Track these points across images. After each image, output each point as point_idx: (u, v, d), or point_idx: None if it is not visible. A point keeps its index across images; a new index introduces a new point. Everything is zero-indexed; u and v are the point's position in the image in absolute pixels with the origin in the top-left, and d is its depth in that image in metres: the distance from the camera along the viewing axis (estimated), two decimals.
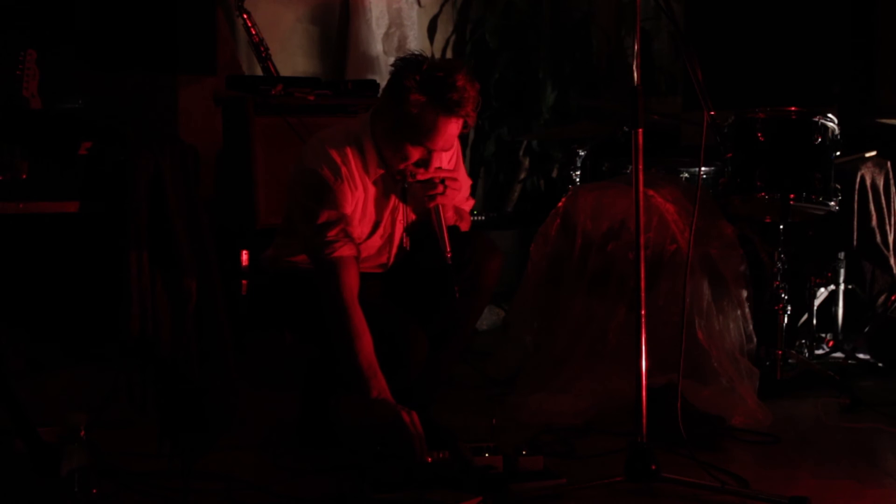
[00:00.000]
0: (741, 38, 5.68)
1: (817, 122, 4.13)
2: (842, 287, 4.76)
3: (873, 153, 4.77)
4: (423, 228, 3.34)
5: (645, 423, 2.98)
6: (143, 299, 3.25)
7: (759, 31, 5.64)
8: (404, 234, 3.40)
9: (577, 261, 4.16)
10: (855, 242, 4.67)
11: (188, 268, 3.30)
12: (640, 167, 3.02)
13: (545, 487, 2.97)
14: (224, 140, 4.94)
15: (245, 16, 5.33)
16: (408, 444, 3.03)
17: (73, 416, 2.73)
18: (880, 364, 4.53)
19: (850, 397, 3.92)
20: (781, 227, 4.19)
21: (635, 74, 3.10)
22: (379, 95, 3.92)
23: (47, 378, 4.06)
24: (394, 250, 3.41)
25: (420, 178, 3.25)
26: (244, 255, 4.65)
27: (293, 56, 6.12)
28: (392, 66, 3.26)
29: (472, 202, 3.57)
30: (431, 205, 3.24)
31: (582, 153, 5.12)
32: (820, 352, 4.69)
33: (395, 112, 3.18)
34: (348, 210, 3.23)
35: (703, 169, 4.48)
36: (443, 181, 3.26)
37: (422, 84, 3.14)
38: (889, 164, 4.78)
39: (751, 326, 4.00)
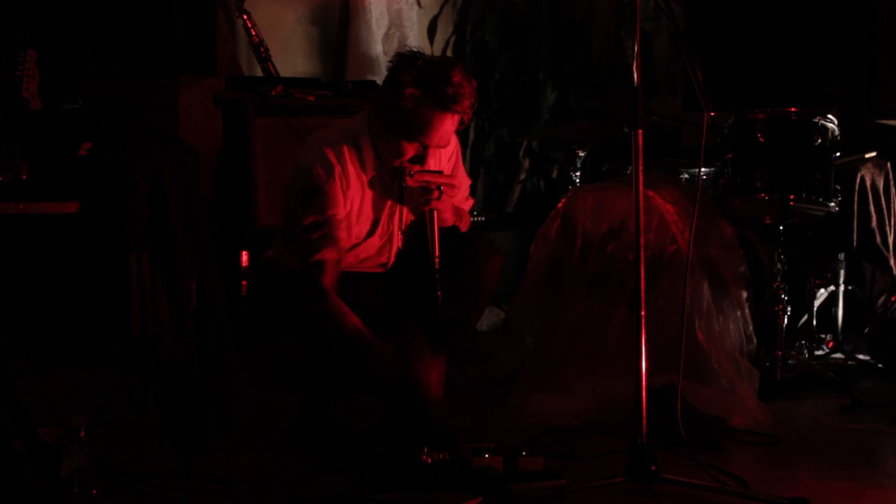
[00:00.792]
0: (741, 39, 5.68)
1: (817, 122, 4.13)
2: (842, 288, 4.76)
3: (873, 154, 4.77)
4: (423, 229, 3.34)
5: (645, 423, 2.97)
6: (143, 300, 3.25)
7: (759, 31, 5.64)
8: (401, 235, 3.40)
9: (577, 261, 4.16)
10: (855, 243, 4.66)
11: (188, 268, 3.30)
12: (640, 168, 3.02)
13: (545, 488, 2.97)
14: (224, 141, 4.94)
15: (245, 16, 5.33)
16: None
17: (73, 417, 2.73)
18: (880, 365, 4.53)
19: (850, 398, 3.92)
20: (781, 227, 4.19)
21: (635, 75, 3.10)
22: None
23: (47, 378, 4.07)
24: (393, 250, 3.41)
25: (417, 178, 3.24)
26: (244, 256, 4.66)
27: (293, 57, 6.13)
28: (389, 62, 3.26)
29: (471, 202, 3.57)
30: (426, 208, 3.24)
31: (582, 154, 5.12)
32: (820, 353, 4.69)
33: (391, 107, 3.18)
34: (339, 210, 3.23)
35: (703, 170, 4.48)
36: (439, 187, 3.26)
37: (417, 79, 3.14)
38: (889, 164, 4.77)
39: (751, 327, 4.00)
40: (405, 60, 3.19)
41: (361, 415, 3.59)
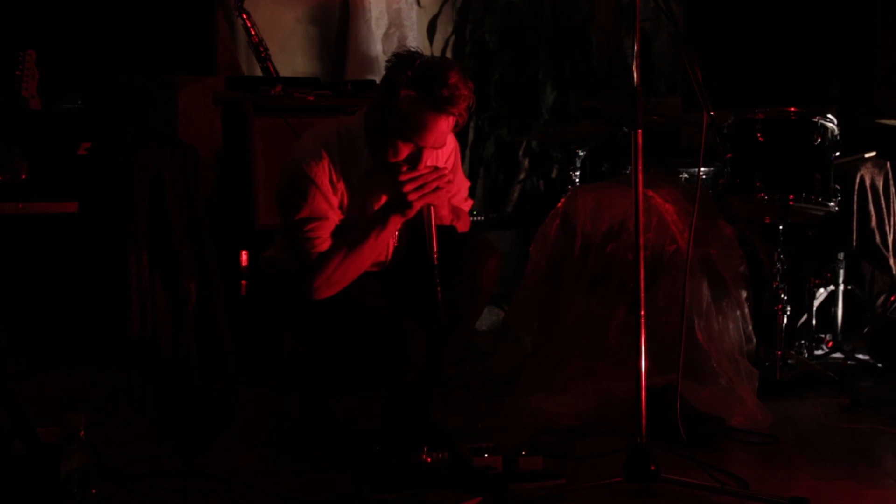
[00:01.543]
0: (741, 39, 5.68)
1: (817, 122, 4.13)
2: (841, 288, 4.76)
3: (873, 154, 4.77)
4: (422, 228, 3.33)
5: (644, 423, 2.98)
6: (142, 300, 3.25)
7: (759, 31, 5.64)
8: (397, 232, 3.39)
9: (577, 261, 4.16)
10: (854, 243, 4.67)
11: (188, 268, 3.30)
12: (640, 168, 3.02)
13: (545, 488, 2.97)
14: (224, 140, 4.94)
15: (245, 16, 5.33)
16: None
17: (73, 417, 2.73)
18: (880, 364, 4.53)
19: (850, 398, 3.92)
20: (781, 227, 4.19)
21: (635, 75, 3.10)
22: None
23: (47, 378, 4.07)
24: (391, 248, 3.41)
25: (412, 174, 3.24)
26: (244, 256, 4.65)
27: (293, 56, 6.13)
28: (387, 61, 3.27)
29: (470, 203, 3.57)
30: (420, 204, 3.23)
31: (581, 154, 5.12)
32: (819, 352, 4.69)
33: (387, 107, 3.18)
34: (329, 205, 3.23)
35: (702, 169, 4.48)
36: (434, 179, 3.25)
37: (413, 80, 3.14)
38: (889, 164, 4.78)
39: (750, 327, 4.00)
40: (402, 60, 3.19)
41: (361, 415, 3.59)
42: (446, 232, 3.32)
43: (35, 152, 3.48)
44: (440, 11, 6.59)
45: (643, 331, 3.00)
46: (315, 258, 3.23)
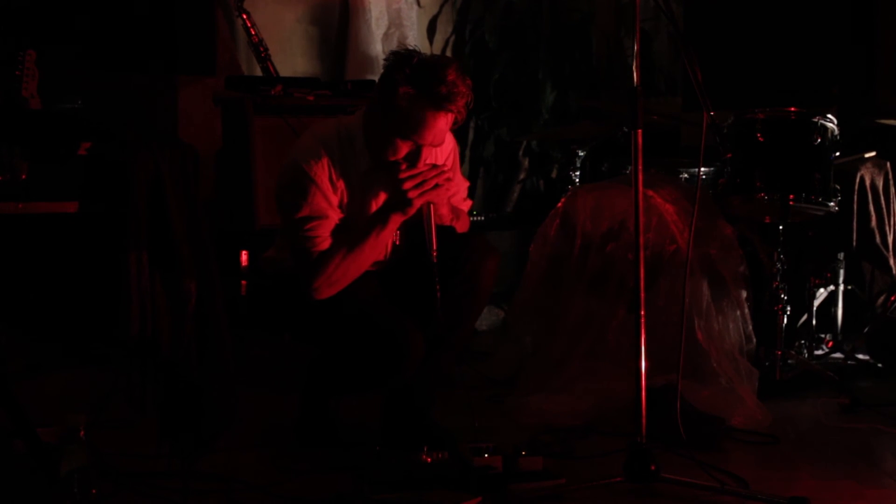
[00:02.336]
0: (740, 39, 5.68)
1: (817, 122, 4.13)
2: (841, 287, 4.76)
3: (873, 154, 4.77)
4: (421, 228, 3.33)
5: (644, 423, 2.98)
6: (142, 300, 3.25)
7: (759, 31, 5.64)
8: (397, 231, 3.39)
9: (577, 261, 4.16)
10: (854, 243, 4.67)
11: (187, 268, 3.30)
12: (640, 167, 3.02)
13: (544, 488, 2.97)
14: (223, 140, 4.94)
15: (245, 16, 5.33)
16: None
17: (73, 417, 2.73)
18: (880, 364, 4.53)
19: (850, 398, 3.92)
20: (781, 227, 4.19)
21: (635, 75, 3.10)
22: None
23: (47, 378, 4.06)
24: (389, 247, 3.41)
25: (411, 172, 3.24)
26: (243, 256, 4.66)
27: (293, 56, 6.12)
28: (385, 59, 3.27)
29: (469, 203, 3.57)
30: (421, 202, 3.23)
31: (581, 154, 5.12)
32: (819, 352, 4.69)
33: (385, 105, 3.18)
34: (329, 204, 3.23)
35: (702, 169, 4.48)
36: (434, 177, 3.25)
37: (411, 77, 3.14)
38: (889, 164, 4.78)
39: (750, 327, 4.00)
40: (400, 59, 3.20)
41: (361, 415, 3.59)
42: (445, 232, 3.31)
43: (35, 152, 3.48)
44: (440, 11, 6.59)
45: (643, 331, 3.00)
46: (315, 257, 3.23)
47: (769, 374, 4.07)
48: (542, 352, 4.17)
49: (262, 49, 5.30)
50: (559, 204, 4.32)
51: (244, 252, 4.65)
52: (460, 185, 3.50)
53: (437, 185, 3.22)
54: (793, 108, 4.17)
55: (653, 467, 2.96)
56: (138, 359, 3.25)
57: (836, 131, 4.17)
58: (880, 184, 4.72)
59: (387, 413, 3.46)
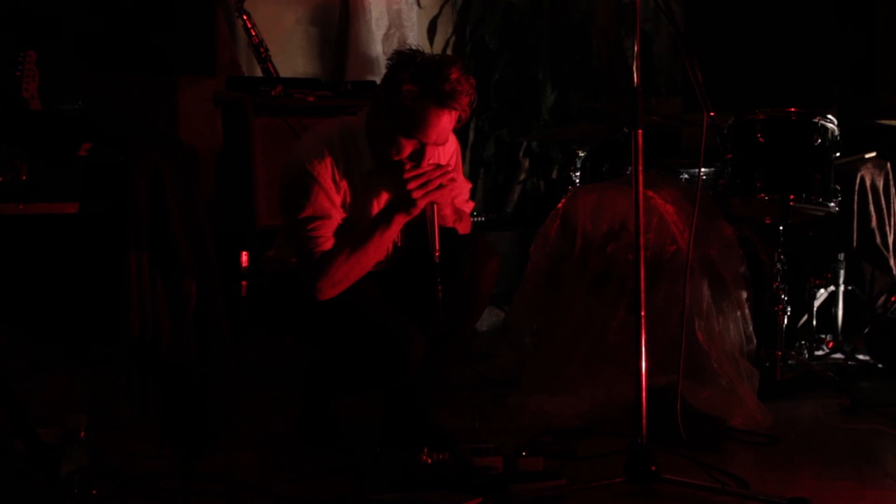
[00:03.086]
0: (741, 40, 5.68)
1: (817, 123, 4.13)
2: (842, 288, 4.76)
3: (873, 154, 4.77)
4: (423, 229, 3.33)
5: (645, 424, 2.98)
6: (142, 300, 3.25)
7: (759, 32, 5.64)
8: (399, 232, 3.39)
9: (577, 262, 4.16)
10: (855, 243, 4.66)
11: (188, 269, 3.30)
12: (640, 168, 3.02)
13: (545, 488, 2.97)
14: (224, 141, 4.94)
15: (245, 17, 5.33)
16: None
17: (73, 418, 2.73)
18: (880, 365, 4.53)
19: (850, 398, 3.92)
20: (781, 228, 4.19)
21: (635, 75, 3.10)
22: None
23: (47, 379, 4.06)
24: (391, 248, 3.40)
25: (415, 172, 3.23)
26: (244, 256, 4.66)
27: (293, 57, 6.13)
28: (388, 59, 3.27)
29: (471, 205, 3.57)
30: (425, 202, 3.23)
31: (582, 154, 5.12)
32: (820, 353, 4.69)
33: (389, 103, 3.17)
34: (332, 203, 3.23)
35: (702, 170, 4.48)
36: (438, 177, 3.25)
37: (415, 75, 3.14)
38: (889, 165, 4.78)
39: (750, 327, 4.00)
40: (404, 57, 3.20)
41: (361, 415, 3.59)
42: (447, 233, 3.31)
43: (35, 153, 3.48)
44: (440, 12, 6.60)
45: (643, 331, 3.00)
46: (318, 258, 3.23)
47: (770, 375, 4.07)
48: (543, 352, 4.17)
49: (262, 49, 5.30)
50: (559, 204, 4.32)
51: (244, 252, 4.65)
52: (463, 187, 3.50)
53: (441, 186, 3.22)
54: (793, 109, 4.17)
55: (653, 468, 2.96)
56: (138, 359, 3.25)
57: (837, 132, 4.17)
58: (880, 184, 4.72)
59: (387, 413, 3.47)
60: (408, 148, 3.21)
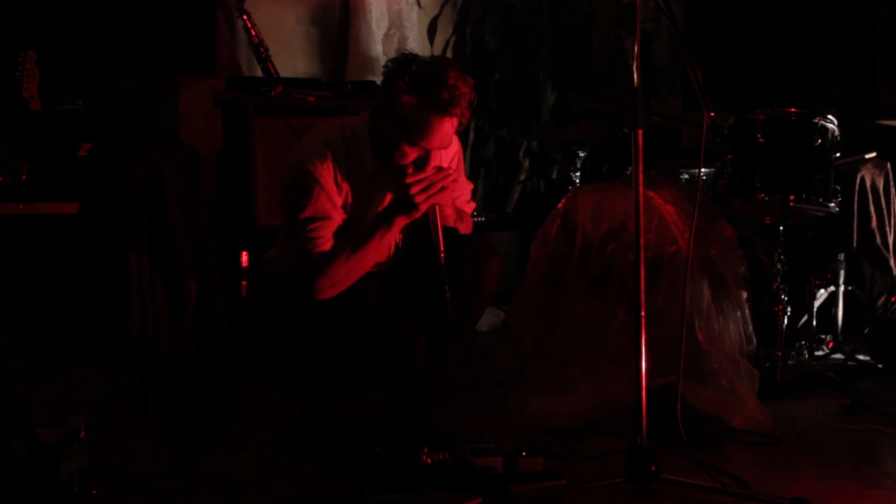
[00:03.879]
0: (741, 40, 5.68)
1: (817, 123, 4.13)
2: (842, 288, 4.76)
3: (873, 154, 4.77)
4: (424, 229, 3.34)
5: (645, 424, 2.98)
6: (142, 300, 3.25)
7: (759, 32, 5.64)
8: (400, 233, 3.39)
9: (577, 262, 4.16)
10: (855, 244, 4.66)
11: (188, 269, 3.30)
12: (640, 168, 3.02)
13: (545, 488, 2.97)
14: (224, 141, 4.94)
15: (245, 17, 5.33)
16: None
17: (73, 418, 2.73)
18: (880, 365, 4.53)
19: (850, 398, 3.92)
20: (781, 228, 4.19)
21: (635, 76, 3.10)
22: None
23: (47, 379, 4.07)
24: (392, 249, 3.41)
25: (418, 176, 3.23)
26: (244, 257, 4.66)
27: (293, 57, 6.13)
28: (384, 67, 3.26)
29: (473, 205, 3.57)
30: (426, 206, 3.23)
31: (582, 154, 5.12)
32: (820, 353, 4.69)
33: (389, 114, 3.17)
34: (333, 205, 3.23)
35: (702, 170, 4.48)
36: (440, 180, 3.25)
37: (412, 85, 3.12)
38: (889, 165, 4.77)
39: (751, 327, 4.00)
40: (399, 66, 3.17)
41: (361, 415, 3.59)
42: (448, 233, 3.31)
43: (36, 153, 3.49)
44: (440, 12, 6.60)
45: (643, 331, 3.00)
46: (317, 258, 3.23)
47: (770, 375, 4.07)
48: (543, 352, 4.17)
49: (262, 50, 5.30)
50: (559, 205, 4.32)
51: (244, 252, 4.65)
52: (464, 187, 3.50)
53: (442, 188, 3.22)
54: (793, 109, 4.17)
55: (653, 468, 2.96)
56: (138, 359, 3.25)
57: (837, 132, 4.17)
58: (881, 184, 4.72)
59: (387, 414, 3.47)
60: (412, 154, 3.21)
